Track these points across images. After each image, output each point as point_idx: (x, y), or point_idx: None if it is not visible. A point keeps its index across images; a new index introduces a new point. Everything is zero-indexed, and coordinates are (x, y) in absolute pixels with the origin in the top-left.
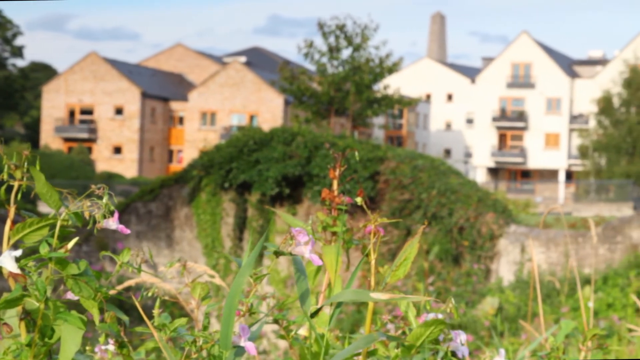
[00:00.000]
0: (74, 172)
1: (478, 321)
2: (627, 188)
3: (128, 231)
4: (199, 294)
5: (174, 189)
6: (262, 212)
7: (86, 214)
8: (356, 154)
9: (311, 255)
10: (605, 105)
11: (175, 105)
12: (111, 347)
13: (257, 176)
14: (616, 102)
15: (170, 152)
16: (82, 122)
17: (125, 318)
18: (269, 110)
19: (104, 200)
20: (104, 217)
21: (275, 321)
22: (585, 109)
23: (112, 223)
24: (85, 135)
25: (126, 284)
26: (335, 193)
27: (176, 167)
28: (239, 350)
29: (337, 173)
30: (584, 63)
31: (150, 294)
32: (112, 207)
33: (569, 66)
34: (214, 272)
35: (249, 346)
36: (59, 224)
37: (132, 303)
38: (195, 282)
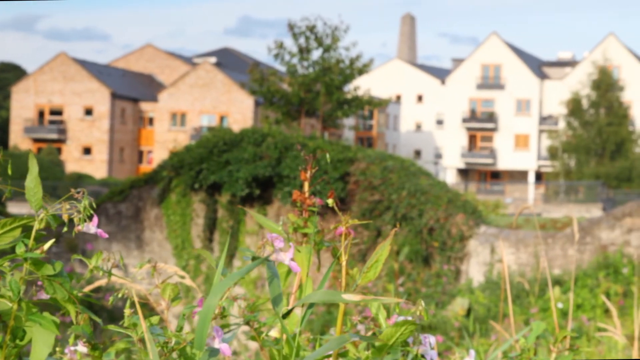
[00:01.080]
0: (43, 172)
1: (448, 322)
2: (596, 189)
3: (106, 235)
4: (168, 295)
5: (143, 189)
6: (233, 213)
7: (65, 217)
8: (327, 156)
9: (291, 263)
10: (574, 106)
11: (145, 106)
12: (80, 348)
13: (227, 177)
14: (585, 103)
15: (140, 153)
16: (52, 122)
17: (98, 320)
18: (239, 111)
19: (84, 203)
20: (84, 220)
21: (247, 322)
22: (554, 110)
23: (92, 227)
24: (54, 136)
25: (96, 284)
26: (307, 194)
27: (146, 167)
28: (213, 351)
29: (308, 175)
30: (554, 64)
31: (120, 295)
32: (92, 211)
33: (538, 67)
34: (184, 273)
35: (224, 347)
36: (36, 224)
37: (101, 304)
38: (166, 283)
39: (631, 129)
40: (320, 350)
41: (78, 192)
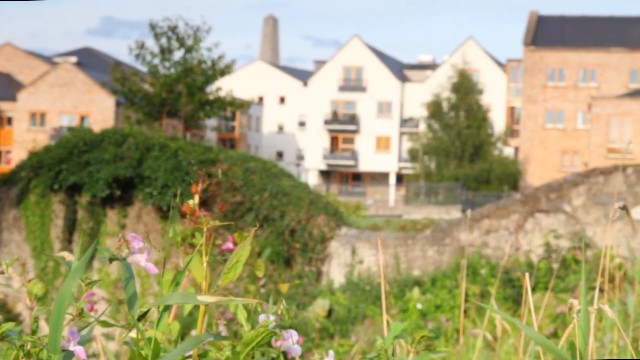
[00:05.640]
0: None
1: (309, 323)
2: (455, 191)
3: None
4: (35, 294)
5: (1, 190)
6: (93, 214)
7: None
8: (219, 172)
9: (147, 264)
10: (434, 109)
11: (3, 106)
12: None
13: (88, 178)
14: (445, 106)
15: None
16: None
17: None
18: (100, 111)
19: None
20: None
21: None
22: (415, 113)
23: None
24: None
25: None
26: (197, 206)
27: (4, 168)
28: (68, 354)
29: (199, 188)
30: (414, 67)
31: None
32: None
33: (399, 70)
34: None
35: (79, 350)
36: None
37: None
38: (33, 282)
39: (490, 131)
40: (176, 350)
41: None
